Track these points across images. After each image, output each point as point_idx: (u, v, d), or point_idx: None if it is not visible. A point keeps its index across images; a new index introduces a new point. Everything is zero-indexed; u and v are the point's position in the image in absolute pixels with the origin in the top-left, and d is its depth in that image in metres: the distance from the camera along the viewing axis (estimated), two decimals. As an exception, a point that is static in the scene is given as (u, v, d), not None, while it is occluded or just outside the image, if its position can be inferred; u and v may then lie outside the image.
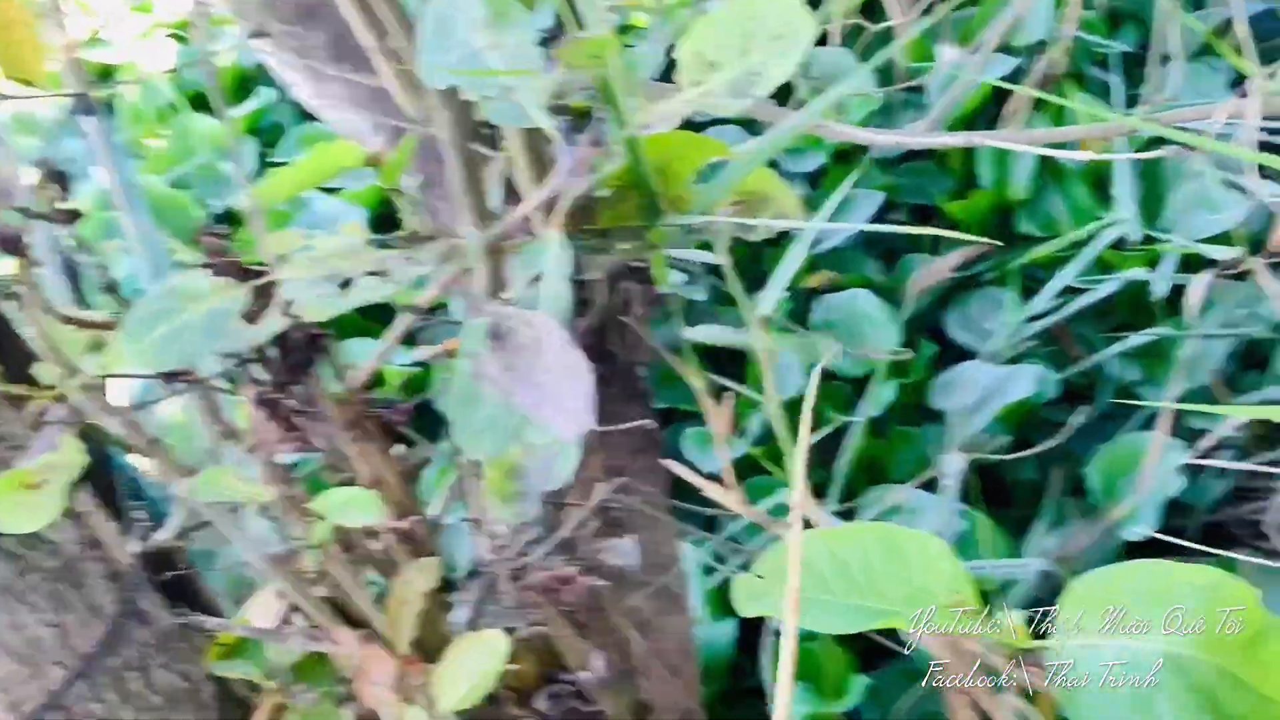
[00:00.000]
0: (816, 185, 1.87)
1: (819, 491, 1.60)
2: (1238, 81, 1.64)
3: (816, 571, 0.48)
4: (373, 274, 0.45)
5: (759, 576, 0.48)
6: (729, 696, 1.53)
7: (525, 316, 0.43)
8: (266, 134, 2.19)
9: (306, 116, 1.94)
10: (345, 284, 0.45)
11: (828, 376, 1.64)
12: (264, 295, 0.45)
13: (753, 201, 0.52)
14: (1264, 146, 1.05)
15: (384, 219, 2.00)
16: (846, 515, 1.31)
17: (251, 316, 0.45)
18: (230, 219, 2.06)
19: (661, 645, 0.97)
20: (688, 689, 0.99)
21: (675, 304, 0.71)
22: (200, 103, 2.22)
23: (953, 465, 1.11)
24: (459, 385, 0.45)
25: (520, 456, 0.44)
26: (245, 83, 2.26)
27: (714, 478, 1.56)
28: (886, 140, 0.88)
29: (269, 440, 0.51)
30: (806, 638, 1.40)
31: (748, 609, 0.47)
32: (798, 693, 1.32)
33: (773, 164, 1.72)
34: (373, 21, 0.89)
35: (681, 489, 1.78)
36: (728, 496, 0.60)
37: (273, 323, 0.45)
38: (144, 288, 1.20)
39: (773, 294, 0.57)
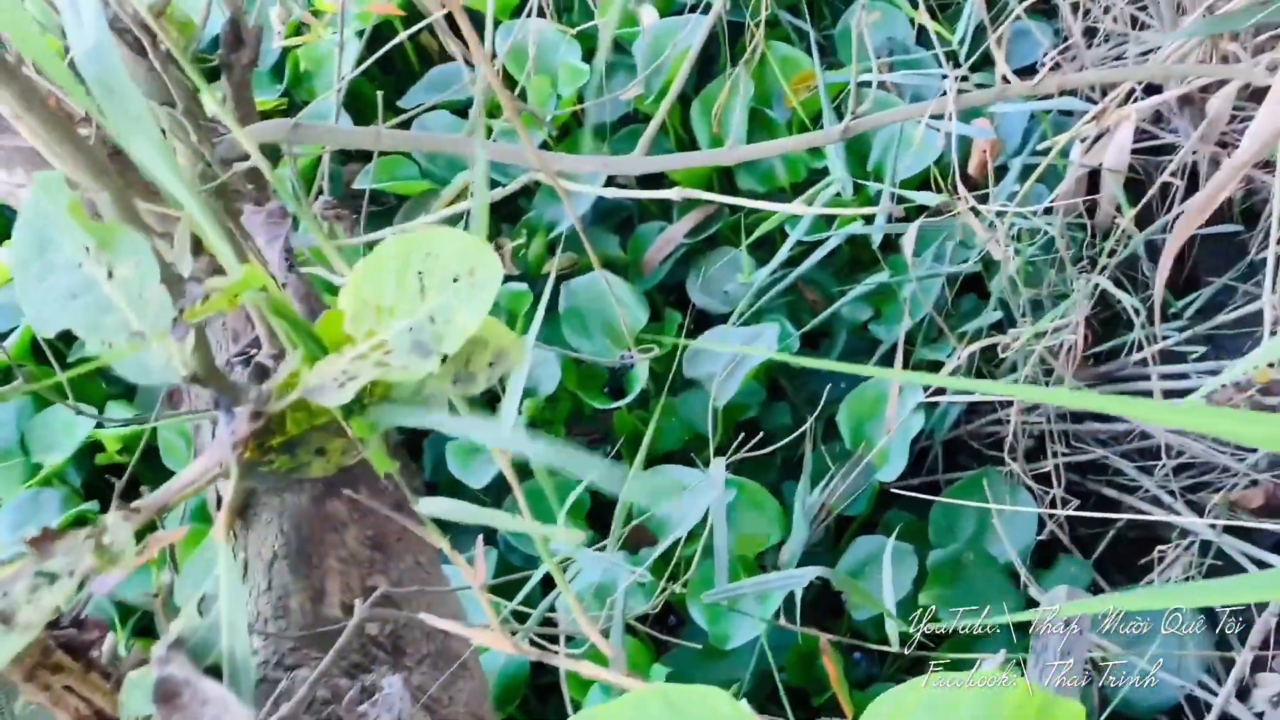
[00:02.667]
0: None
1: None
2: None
3: (600, 756, 0.46)
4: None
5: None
6: (529, 702, 1.52)
7: (202, 689, 0.37)
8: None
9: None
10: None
11: (581, 363, 1.62)
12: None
13: (470, 344, 0.48)
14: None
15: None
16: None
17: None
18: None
19: (451, 716, 0.93)
20: (491, 752, 0.96)
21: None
22: None
23: (718, 472, 1.12)
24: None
25: None
26: None
27: (483, 495, 1.51)
28: (586, 169, 0.85)
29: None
30: (605, 635, 1.40)
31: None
32: (598, 695, 1.33)
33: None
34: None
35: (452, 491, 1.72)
36: (500, 641, 0.56)
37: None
38: None
39: (507, 425, 0.53)
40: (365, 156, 1.85)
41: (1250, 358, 0.38)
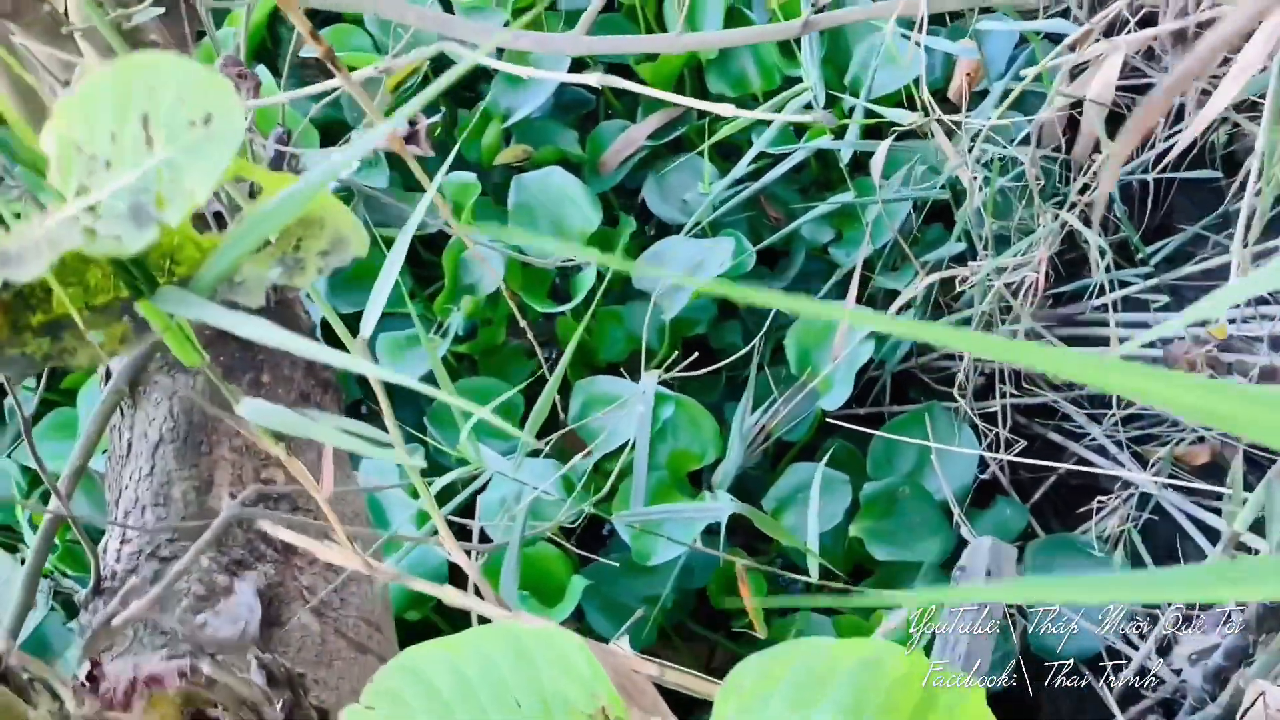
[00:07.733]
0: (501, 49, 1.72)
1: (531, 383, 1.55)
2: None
3: (437, 694, 0.41)
4: None
5: (369, 708, 0.40)
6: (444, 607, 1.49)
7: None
8: None
9: None
10: None
11: (527, 264, 1.55)
12: None
13: (302, 226, 0.41)
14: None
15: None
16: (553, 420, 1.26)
17: None
18: None
19: (342, 623, 0.89)
20: (382, 660, 0.92)
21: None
22: None
23: (649, 385, 1.07)
24: None
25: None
26: None
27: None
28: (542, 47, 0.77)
29: None
30: (528, 543, 1.37)
31: (358, 749, 0.40)
32: (521, 598, 1.29)
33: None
34: None
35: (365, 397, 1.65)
36: (349, 558, 0.52)
37: None
38: None
39: (369, 323, 0.47)
40: (324, 22, 1.75)
41: (1210, 301, 0.32)
